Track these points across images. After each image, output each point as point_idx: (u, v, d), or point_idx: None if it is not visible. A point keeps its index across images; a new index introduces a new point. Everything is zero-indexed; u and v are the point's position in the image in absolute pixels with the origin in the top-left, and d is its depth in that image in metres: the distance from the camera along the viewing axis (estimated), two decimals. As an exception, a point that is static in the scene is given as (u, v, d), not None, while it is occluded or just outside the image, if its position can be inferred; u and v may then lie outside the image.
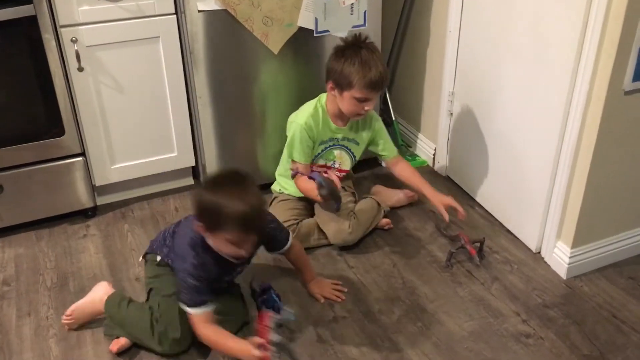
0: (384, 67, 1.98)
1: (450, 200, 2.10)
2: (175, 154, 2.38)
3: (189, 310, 1.59)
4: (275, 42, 2.23)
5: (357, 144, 2.22)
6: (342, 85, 2.00)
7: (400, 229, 2.28)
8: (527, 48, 2.00)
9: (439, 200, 2.12)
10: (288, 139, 2.11)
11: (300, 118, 2.09)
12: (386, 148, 2.26)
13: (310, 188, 2.00)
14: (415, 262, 2.13)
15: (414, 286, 2.03)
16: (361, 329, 1.85)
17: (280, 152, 2.26)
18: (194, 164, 2.45)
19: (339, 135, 2.16)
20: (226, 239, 1.55)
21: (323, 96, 2.14)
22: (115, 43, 2.12)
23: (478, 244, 2.12)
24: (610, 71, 1.73)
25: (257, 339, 1.48)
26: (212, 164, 2.36)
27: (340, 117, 2.13)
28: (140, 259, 1.86)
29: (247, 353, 1.49)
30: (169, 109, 2.29)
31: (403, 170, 2.24)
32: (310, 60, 2.34)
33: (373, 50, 1.98)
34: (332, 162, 2.20)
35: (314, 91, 2.21)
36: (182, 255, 1.61)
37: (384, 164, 2.21)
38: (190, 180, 2.53)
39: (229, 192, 1.52)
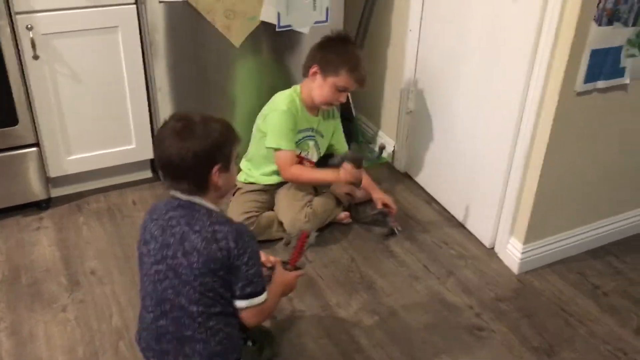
0: None
1: (387, 199, 2.22)
2: (133, 146, 2.35)
3: (260, 298, 1.41)
4: (237, 35, 2.21)
5: (322, 136, 2.24)
6: (327, 70, 2.04)
7: (358, 224, 2.29)
8: (484, 49, 2.04)
9: (378, 197, 2.24)
10: (273, 130, 2.08)
11: (281, 105, 2.09)
12: (339, 142, 2.31)
13: (324, 173, 2.06)
14: (374, 257, 2.15)
15: (371, 280, 2.04)
16: (319, 322, 1.86)
17: (246, 146, 2.25)
18: (152, 157, 2.41)
19: (314, 125, 2.18)
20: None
21: (297, 87, 2.15)
22: (72, 32, 2.07)
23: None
24: (563, 73, 1.77)
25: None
26: None
27: (313, 107, 2.15)
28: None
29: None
30: (128, 100, 2.25)
31: None
32: (272, 54, 2.33)
33: (358, 48, 2.09)
34: (305, 152, 2.22)
35: (277, 85, 2.21)
36: (238, 232, 1.35)
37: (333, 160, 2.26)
38: (148, 173, 2.49)
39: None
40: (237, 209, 2.13)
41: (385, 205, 2.24)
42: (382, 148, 2.12)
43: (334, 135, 2.29)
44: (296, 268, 1.60)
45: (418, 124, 2.49)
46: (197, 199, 1.35)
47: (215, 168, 1.33)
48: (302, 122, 2.14)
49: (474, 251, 2.19)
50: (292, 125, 2.08)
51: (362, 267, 2.10)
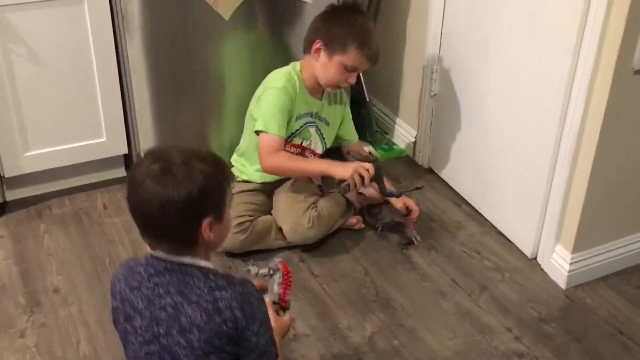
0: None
1: (409, 202, 2.22)
2: (103, 140, 2.34)
3: None
4: (226, 5, 2.21)
5: (328, 124, 2.24)
6: (333, 47, 2.04)
7: (373, 230, 2.29)
8: (523, 21, 2.02)
9: (397, 200, 2.22)
10: (262, 109, 2.08)
11: (277, 83, 2.09)
12: (350, 131, 2.31)
13: (318, 163, 2.08)
14: (391, 269, 2.14)
15: (389, 297, 2.03)
16: (327, 349, 1.85)
17: (238, 138, 2.25)
18: (126, 152, 2.41)
19: (315, 110, 2.18)
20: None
21: (297, 64, 2.15)
22: (30, 3, 2.06)
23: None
24: (618, 47, 1.75)
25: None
26: None
27: (316, 89, 2.15)
28: None
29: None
30: (96, 84, 2.25)
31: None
32: (268, 28, 2.33)
33: (369, 19, 2.06)
34: (308, 142, 2.22)
35: (274, 66, 2.21)
36: (245, 295, 1.31)
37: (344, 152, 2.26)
38: (121, 172, 2.49)
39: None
40: None
41: (406, 207, 2.23)
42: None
43: (342, 124, 2.29)
44: (286, 306, 1.55)
45: (443, 110, 2.48)
46: (186, 259, 1.28)
47: (205, 222, 1.25)
48: (301, 106, 2.14)
49: (512, 262, 2.18)
50: (286, 107, 2.06)
51: (378, 281, 2.09)
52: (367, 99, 2.72)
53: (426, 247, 2.24)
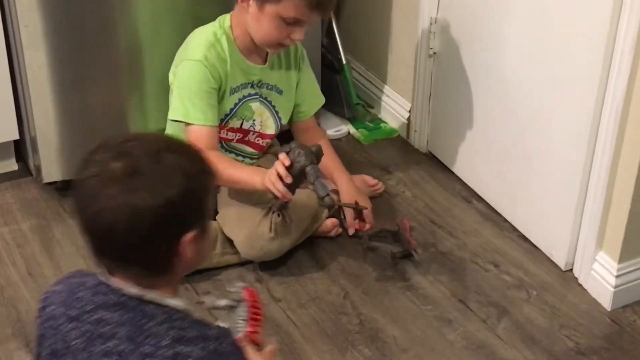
0: None
1: (367, 202, 2.22)
2: (-16, 122, 2.33)
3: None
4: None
5: (281, 92, 2.22)
6: None
7: (356, 239, 2.27)
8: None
9: (352, 196, 2.19)
10: (175, 92, 2.09)
11: (194, 52, 2.08)
12: (306, 101, 2.29)
13: (247, 174, 2.06)
14: (379, 290, 2.13)
15: (377, 327, 2.02)
16: (294, 397, 1.86)
17: (163, 123, 2.25)
18: (17, 138, 2.40)
19: (255, 78, 2.16)
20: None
21: (225, 18, 2.13)
22: None
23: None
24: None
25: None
26: (48, 140, 2.32)
27: (254, 48, 2.13)
28: None
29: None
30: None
31: (312, 140, 2.22)
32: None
33: None
34: (250, 122, 2.20)
35: (204, 19, 2.19)
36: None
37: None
38: (11, 164, 2.48)
39: None
40: None
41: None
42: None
43: (299, 89, 2.27)
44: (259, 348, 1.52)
45: (447, 74, 2.47)
46: (150, 294, 1.25)
47: (188, 237, 1.23)
48: (236, 75, 2.12)
49: (540, 276, 2.19)
50: (209, 84, 2.06)
51: (362, 306, 2.08)
52: (344, 62, 2.69)
53: (426, 259, 2.22)
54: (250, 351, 1.42)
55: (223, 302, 1.53)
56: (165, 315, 1.24)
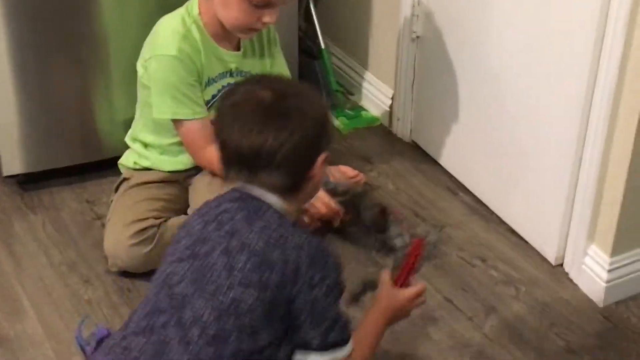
0: None
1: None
2: None
3: (345, 350, 1.54)
4: None
5: None
6: None
7: (334, 234, 2.26)
8: None
9: (325, 202, 2.16)
10: (155, 90, 2.08)
11: (167, 46, 2.06)
12: None
13: None
14: (359, 286, 2.11)
15: (355, 326, 2.00)
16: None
17: (130, 112, 2.26)
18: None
19: (233, 66, 2.15)
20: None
21: (193, 4, 2.10)
22: None
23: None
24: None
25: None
26: (8, 131, 2.32)
27: (226, 35, 2.10)
28: None
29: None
30: None
31: None
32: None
33: None
34: None
35: (175, 5, 2.17)
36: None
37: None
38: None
39: None
40: (122, 215, 2.10)
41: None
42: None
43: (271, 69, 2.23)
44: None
45: (430, 60, 2.48)
46: (272, 198, 1.50)
47: (322, 157, 1.50)
48: (212, 65, 2.10)
49: (529, 271, 2.19)
50: (190, 77, 2.06)
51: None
52: (322, 46, 2.70)
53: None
54: (387, 287, 1.69)
55: (396, 241, 1.90)
56: (278, 213, 1.49)
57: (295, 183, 1.50)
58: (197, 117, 2.07)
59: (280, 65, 2.26)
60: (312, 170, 1.49)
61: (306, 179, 1.50)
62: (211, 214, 1.52)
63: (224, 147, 1.49)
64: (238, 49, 2.15)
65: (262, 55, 2.20)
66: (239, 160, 1.48)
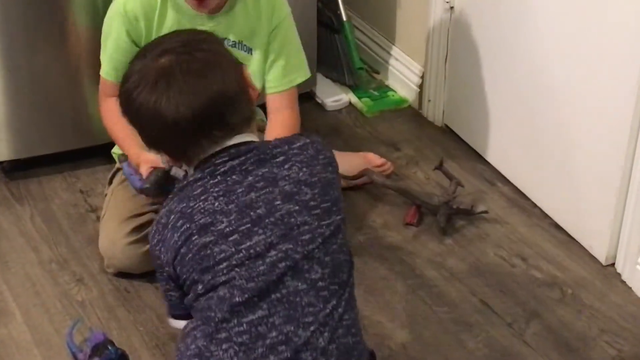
0: None
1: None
2: None
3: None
4: None
5: (250, 51, 2.14)
6: None
7: (356, 223, 2.29)
8: None
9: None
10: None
11: (116, 3, 2.08)
12: (278, 68, 2.14)
13: (125, 140, 2.07)
14: (384, 288, 2.14)
15: (383, 333, 2.03)
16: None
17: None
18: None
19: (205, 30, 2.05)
20: None
21: None
22: None
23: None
24: None
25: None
26: None
27: None
28: None
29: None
30: None
31: (277, 131, 2.07)
32: None
33: None
34: None
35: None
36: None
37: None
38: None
39: None
40: (118, 210, 2.11)
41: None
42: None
43: (271, 52, 2.13)
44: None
45: (466, 34, 2.48)
46: (250, 135, 1.61)
47: (243, 70, 1.63)
48: (180, 26, 2.03)
49: (577, 271, 2.19)
50: (122, 39, 2.07)
51: (364, 308, 2.07)
52: (344, 18, 2.71)
53: (440, 252, 2.23)
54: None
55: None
56: (268, 143, 1.62)
57: (249, 102, 1.63)
58: (105, 76, 2.12)
59: (286, 35, 2.14)
60: (245, 86, 1.62)
61: (250, 105, 1.64)
62: (218, 188, 1.55)
63: (176, 126, 1.54)
64: (216, 11, 2.06)
65: (260, 15, 2.11)
66: (200, 126, 1.55)
